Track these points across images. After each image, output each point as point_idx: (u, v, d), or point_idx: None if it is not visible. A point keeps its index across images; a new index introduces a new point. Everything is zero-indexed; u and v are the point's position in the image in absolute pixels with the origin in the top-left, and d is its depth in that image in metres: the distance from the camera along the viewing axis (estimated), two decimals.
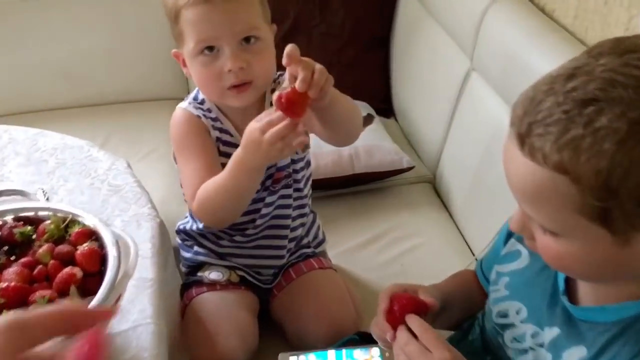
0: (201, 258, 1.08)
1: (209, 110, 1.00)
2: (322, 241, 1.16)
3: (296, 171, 1.06)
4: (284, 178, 1.05)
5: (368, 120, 1.52)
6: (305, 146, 1.05)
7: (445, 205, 1.44)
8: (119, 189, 0.98)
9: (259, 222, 1.05)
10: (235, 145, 0.92)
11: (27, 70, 1.67)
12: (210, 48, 0.92)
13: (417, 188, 1.48)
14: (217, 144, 1.00)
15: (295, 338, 1.06)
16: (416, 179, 1.49)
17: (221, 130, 1.00)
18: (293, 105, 0.80)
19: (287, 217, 1.06)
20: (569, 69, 0.56)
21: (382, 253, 1.29)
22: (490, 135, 1.25)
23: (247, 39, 0.92)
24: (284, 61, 0.80)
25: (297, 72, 0.79)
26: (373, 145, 1.42)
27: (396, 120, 1.71)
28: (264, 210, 1.04)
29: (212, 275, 1.05)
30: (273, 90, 1.00)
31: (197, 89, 1.02)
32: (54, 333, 0.44)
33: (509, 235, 0.79)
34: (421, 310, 0.75)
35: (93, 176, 1.00)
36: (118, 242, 0.70)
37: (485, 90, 1.28)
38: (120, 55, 1.71)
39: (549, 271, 0.69)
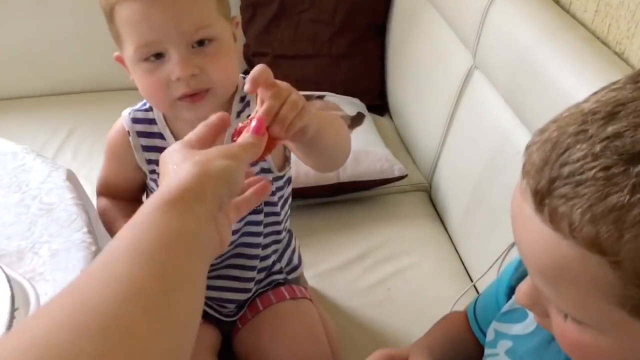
0: None
1: (152, 122, 0.85)
2: (297, 266, 1.00)
3: (271, 193, 0.89)
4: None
5: (357, 120, 1.37)
6: (286, 162, 0.90)
7: (440, 218, 1.29)
8: (51, 207, 0.83)
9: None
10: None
11: None
12: (157, 55, 0.74)
13: (410, 197, 1.33)
14: (151, 166, 0.87)
15: None
16: (410, 187, 1.33)
17: (157, 149, 0.85)
18: None
19: (256, 245, 0.90)
20: (608, 104, 0.40)
21: (367, 275, 1.14)
22: (493, 143, 1.10)
23: (199, 41, 0.74)
24: (247, 87, 0.63)
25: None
26: (361, 150, 1.26)
27: (391, 118, 1.55)
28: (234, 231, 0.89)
29: None
30: (243, 100, 0.85)
31: None
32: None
33: (513, 288, 0.64)
34: None
35: (24, 190, 0.86)
36: (14, 295, 0.56)
37: (488, 92, 1.12)
38: (87, 39, 1.54)
39: None
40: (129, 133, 0.85)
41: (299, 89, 1.56)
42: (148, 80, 0.76)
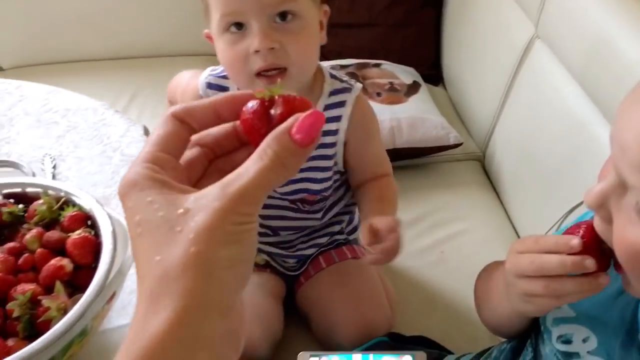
0: None
1: (225, 90, 0.88)
2: (358, 227, 1.05)
3: (337, 189, 0.96)
4: (318, 201, 0.95)
5: (413, 88, 1.38)
6: None
7: (494, 187, 1.31)
8: (131, 159, 0.88)
9: (282, 233, 0.97)
10: None
11: (52, 19, 1.57)
12: (239, 25, 0.77)
13: (463, 166, 1.34)
14: None
15: (320, 332, 0.96)
16: (463, 156, 1.35)
17: None
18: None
19: (317, 226, 0.97)
20: None
21: (421, 238, 1.17)
22: (553, 113, 1.10)
23: (282, 15, 0.76)
24: (365, 241, 0.78)
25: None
26: (417, 117, 1.28)
27: (445, 88, 1.56)
28: (287, 224, 0.95)
29: None
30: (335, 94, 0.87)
31: None
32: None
33: None
34: None
35: (105, 143, 0.91)
36: (115, 230, 0.61)
37: (550, 63, 1.12)
38: (152, 6, 1.59)
39: (628, 297, 0.57)
40: (201, 97, 0.89)
41: (355, 57, 1.59)
42: (229, 53, 0.79)
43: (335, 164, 0.94)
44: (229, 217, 0.30)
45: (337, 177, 0.97)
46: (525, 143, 1.20)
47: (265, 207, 0.96)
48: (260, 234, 1.00)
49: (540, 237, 0.57)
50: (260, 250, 0.99)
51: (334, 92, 0.88)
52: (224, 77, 0.88)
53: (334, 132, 0.90)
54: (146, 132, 0.95)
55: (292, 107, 0.34)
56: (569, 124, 1.06)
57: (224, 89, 0.88)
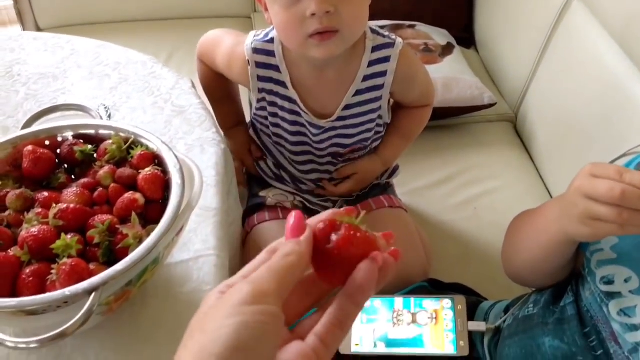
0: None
1: (271, 54, 0.91)
2: (396, 169, 1.09)
3: (376, 140, 1.01)
4: (358, 150, 1.00)
5: (448, 49, 1.40)
6: None
7: (526, 148, 1.33)
8: (182, 110, 0.92)
9: (320, 182, 1.02)
10: (285, 98, 0.90)
11: None
12: None
13: (496, 127, 1.37)
14: (262, 94, 0.94)
15: None
16: (496, 117, 1.37)
17: (272, 80, 0.92)
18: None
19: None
20: None
21: (455, 194, 1.21)
22: (588, 74, 1.11)
23: None
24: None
25: None
26: (452, 78, 1.30)
27: (477, 51, 1.57)
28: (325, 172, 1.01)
29: (277, 197, 1.01)
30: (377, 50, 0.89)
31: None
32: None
33: None
34: None
35: (156, 95, 0.95)
36: (182, 168, 0.64)
37: (588, 23, 1.13)
38: None
39: None
40: (248, 62, 0.92)
41: (390, 19, 1.58)
42: (284, 16, 0.81)
43: (380, 117, 0.97)
44: None
45: (379, 129, 0.99)
46: (559, 104, 1.21)
47: (306, 161, 1.00)
48: (300, 183, 1.04)
49: (625, 169, 0.57)
50: (295, 195, 1.03)
51: (377, 48, 0.90)
52: (269, 41, 0.91)
53: (380, 87, 0.93)
54: (193, 85, 0.99)
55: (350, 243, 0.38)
56: (605, 84, 1.07)
57: (269, 53, 0.91)
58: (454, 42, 1.45)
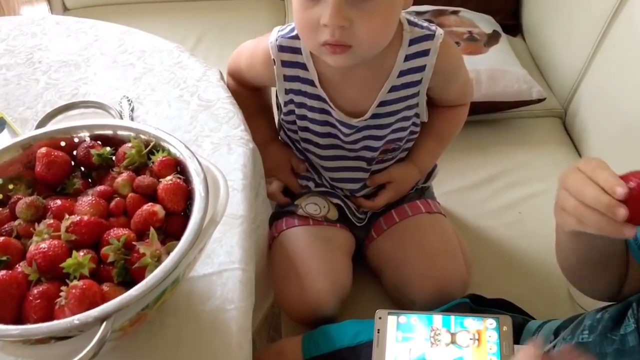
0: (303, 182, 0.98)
1: (297, 51, 0.84)
2: (434, 170, 1.02)
3: (410, 140, 0.94)
4: (391, 151, 0.93)
5: (494, 38, 1.30)
6: None
7: (575, 146, 1.24)
8: (209, 104, 0.86)
9: (355, 186, 0.97)
10: (314, 97, 0.84)
11: None
12: None
13: (543, 123, 1.27)
14: (289, 95, 0.87)
15: (391, 288, 0.94)
16: (543, 112, 1.28)
17: (299, 79, 0.86)
18: None
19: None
20: None
21: (497, 197, 1.13)
22: None
23: None
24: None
25: None
26: (498, 69, 1.21)
27: (524, 39, 1.47)
28: (359, 175, 0.95)
29: (309, 207, 0.94)
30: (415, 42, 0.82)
31: None
32: None
33: None
34: None
35: (182, 87, 0.88)
36: (206, 177, 0.58)
37: None
38: None
39: None
40: (274, 62, 0.85)
41: (430, 4, 1.50)
42: (301, 16, 0.76)
43: (417, 115, 0.90)
44: None
45: (415, 128, 0.92)
46: (614, 100, 1.12)
47: (336, 168, 0.93)
48: (333, 189, 0.97)
49: (601, 167, 0.58)
50: (332, 204, 0.96)
51: (414, 41, 0.83)
52: (294, 37, 0.84)
53: (417, 83, 0.85)
54: (221, 76, 0.92)
55: None
56: None
57: (295, 50, 0.85)
58: (500, 30, 1.35)
